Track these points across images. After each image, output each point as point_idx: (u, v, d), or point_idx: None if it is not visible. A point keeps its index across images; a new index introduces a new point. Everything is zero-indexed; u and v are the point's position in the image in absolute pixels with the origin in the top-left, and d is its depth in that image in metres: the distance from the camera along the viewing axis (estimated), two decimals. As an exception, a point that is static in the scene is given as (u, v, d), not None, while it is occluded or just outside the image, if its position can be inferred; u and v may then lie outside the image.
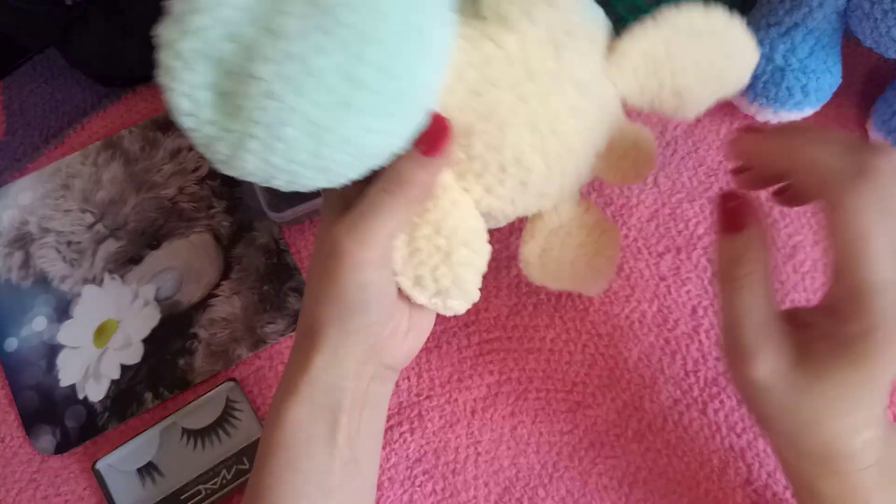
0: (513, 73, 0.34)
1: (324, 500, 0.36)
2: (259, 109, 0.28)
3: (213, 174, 0.54)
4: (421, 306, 0.39)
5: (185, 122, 0.30)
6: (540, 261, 0.40)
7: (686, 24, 0.34)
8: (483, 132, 0.34)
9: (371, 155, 0.32)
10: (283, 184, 0.32)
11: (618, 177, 0.39)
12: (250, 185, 0.52)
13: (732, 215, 0.32)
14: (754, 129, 0.33)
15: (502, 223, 0.39)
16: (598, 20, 0.36)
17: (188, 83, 0.29)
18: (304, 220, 0.52)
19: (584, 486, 0.45)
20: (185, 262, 0.52)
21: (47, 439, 0.49)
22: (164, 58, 0.29)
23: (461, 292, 0.37)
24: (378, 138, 0.31)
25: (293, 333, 0.50)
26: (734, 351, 0.32)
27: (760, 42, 0.47)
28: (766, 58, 0.47)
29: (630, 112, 0.38)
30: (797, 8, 0.46)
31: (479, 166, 0.34)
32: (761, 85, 0.48)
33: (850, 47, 0.52)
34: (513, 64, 0.34)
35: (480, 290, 0.38)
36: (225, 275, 0.52)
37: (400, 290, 0.38)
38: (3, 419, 0.50)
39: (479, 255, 0.36)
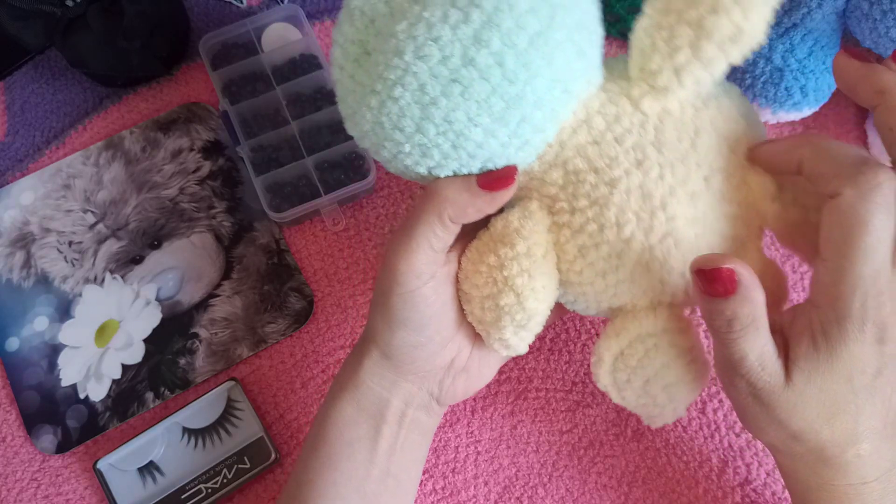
0: (640, 136, 0.32)
1: None
2: (385, 65, 0.31)
3: (214, 174, 0.54)
4: (483, 351, 0.39)
5: (334, 72, 0.34)
6: (613, 364, 0.35)
7: None
8: (592, 184, 0.32)
9: (469, 154, 0.32)
10: (388, 157, 0.33)
11: None
12: (251, 185, 0.53)
13: (721, 283, 0.29)
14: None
15: (591, 308, 0.36)
16: (753, 123, 0.34)
17: (346, 36, 0.33)
18: (305, 220, 0.53)
19: (584, 485, 0.45)
20: (186, 262, 0.52)
21: (48, 439, 0.49)
22: (340, 15, 0.33)
23: (499, 335, 0.36)
24: (479, 135, 0.31)
25: (294, 333, 0.50)
26: (727, 369, 0.32)
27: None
28: (765, 58, 0.47)
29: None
30: (796, 8, 0.46)
31: (578, 221, 0.33)
32: (760, 85, 0.48)
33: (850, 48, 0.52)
34: (643, 127, 0.32)
35: (530, 345, 0.37)
36: (226, 275, 0.52)
37: (463, 325, 0.38)
38: (5, 419, 0.50)
39: (523, 311, 0.34)
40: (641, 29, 0.32)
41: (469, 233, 0.36)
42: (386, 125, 0.32)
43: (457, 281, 0.37)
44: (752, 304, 0.30)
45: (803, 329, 0.31)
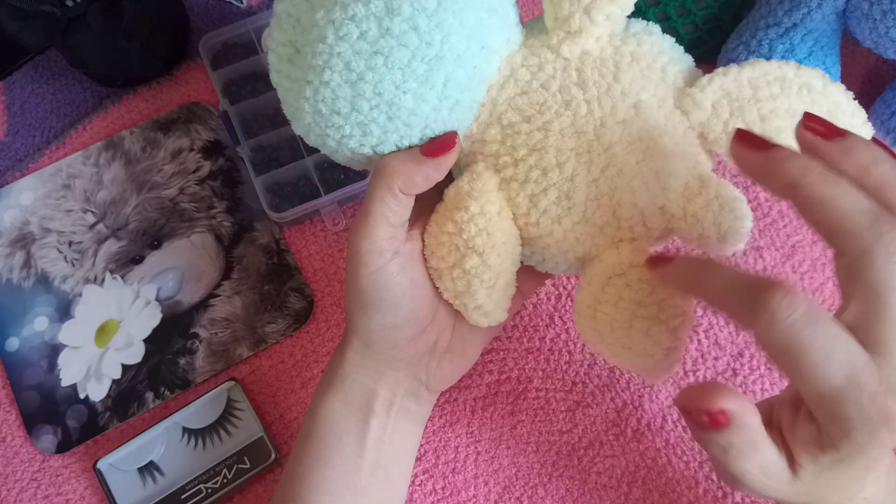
0: (563, 78, 0.34)
1: (351, 500, 0.37)
2: (312, 53, 0.32)
3: (214, 174, 0.54)
4: (465, 329, 0.39)
5: (272, 76, 0.35)
6: (592, 313, 0.35)
7: (775, 72, 0.34)
8: (527, 133, 0.34)
9: (405, 122, 0.33)
10: (334, 145, 0.35)
11: (697, 236, 0.34)
12: (251, 185, 0.53)
13: (713, 421, 0.28)
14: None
15: (560, 263, 0.36)
16: (677, 57, 0.35)
17: (277, 40, 0.34)
18: (305, 220, 0.53)
19: (584, 485, 0.45)
20: (186, 262, 0.52)
21: (48, 439, 0.49)
22: (271, 23, 0.35)
23: (473, 303, 0.36)
24: (410, 101, 0.32)
25: (294, 333, 0.50)
26: (727, 480, 0.30)
27: (759, 43, 0.47)
28: (765, 59, 0.47)
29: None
30: (796, 9, 0.46)
31: (522, 172, 0.34)
32: (760, 85, 0.48)
33: (849, 48, 0.52)
34: (566, 71, 0.34)
35: (507, 311, 0.37)
36: (226, 275, 0.52)
37: (441, 305, 0.38)
38: (5, 419, 0.50)
39: (489, 270, 0.35)
40: None
41: (429, 211, 0.37)
42: (324, 111, 0.33)
43: (425, 261, 0.37)
44: (747, 430, 0.28)
45: (809, 439, 0.28)
